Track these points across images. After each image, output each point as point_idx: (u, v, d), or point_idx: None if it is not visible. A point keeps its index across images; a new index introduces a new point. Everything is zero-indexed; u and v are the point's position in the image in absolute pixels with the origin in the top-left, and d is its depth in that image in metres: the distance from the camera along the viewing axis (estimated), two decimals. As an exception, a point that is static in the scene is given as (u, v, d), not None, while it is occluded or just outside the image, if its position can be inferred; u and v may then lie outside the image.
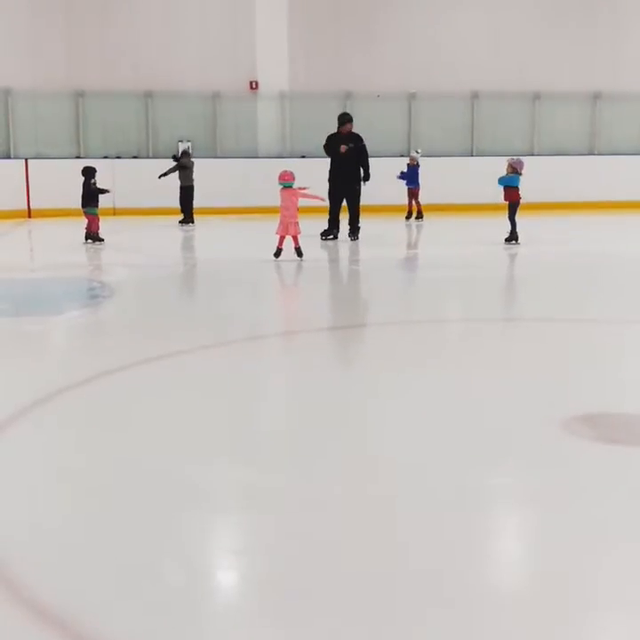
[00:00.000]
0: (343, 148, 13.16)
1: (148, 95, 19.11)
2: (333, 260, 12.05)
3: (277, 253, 11.03)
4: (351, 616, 2.73)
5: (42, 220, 17.27)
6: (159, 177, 15.73)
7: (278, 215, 11.05)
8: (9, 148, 18.81)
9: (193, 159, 16.45)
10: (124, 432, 4.57)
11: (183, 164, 15.93)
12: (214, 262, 11.83)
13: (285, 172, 11.19)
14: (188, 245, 14.68)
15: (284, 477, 3.92)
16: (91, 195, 13.27)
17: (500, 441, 4.38)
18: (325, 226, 13.36)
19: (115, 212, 17.01)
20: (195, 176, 15.96)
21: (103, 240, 13.18)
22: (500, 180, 12.71)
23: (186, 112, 19.28)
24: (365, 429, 4.59)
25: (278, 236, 11.03)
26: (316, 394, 5.33)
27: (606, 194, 18.59)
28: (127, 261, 11.83)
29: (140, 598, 2.85)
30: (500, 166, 12.98)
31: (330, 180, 13.32)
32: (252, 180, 17.56)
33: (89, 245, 13.09)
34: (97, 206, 13.30)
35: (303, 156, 18.19)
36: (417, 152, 16.83)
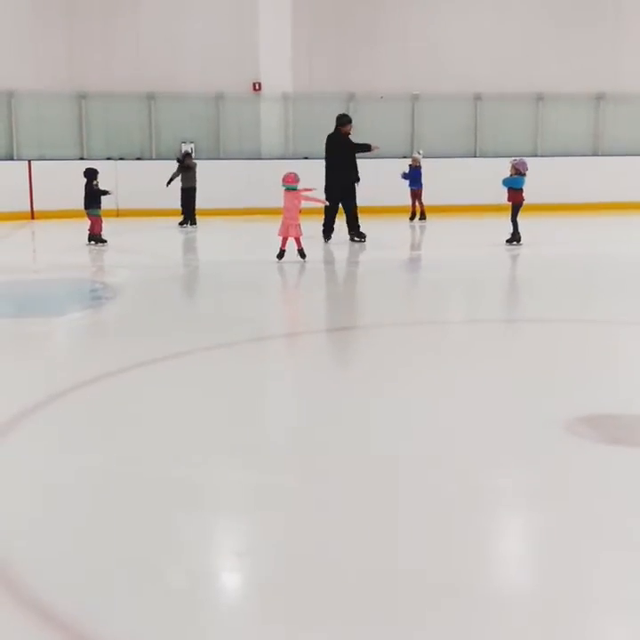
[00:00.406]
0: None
1: (151, 97, 19.13)
2: (336, 262, 12.05)
3: (280, 255, 11.04)
4: (354, 616, 2.73)
5: (45, 222, 17.28)
6: (167, 185, 15.72)
7: (281, 217, 11.06)
8: (12, 150, 18.84)
9: (195, 160, 16.46)
10: (127, 433, 4.57)
11: (187, 165, 15.93)
12: (217, 264, 11.84)
13: (289, 174, 11.19)
14: (190, 247, 14.70)
15: (287, 478, 3.92)
16: (93, 196, 13.28)
17: (502, 442, 4.37)
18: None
19: (118, 213, 17.03)
20: (197, 177, 15.95)
21: (106, 241, 13.19)
22: (505, 182, 12.71)
23: (189, 113, 19.30)
24: (368, 430, 4.58)
25: (280, 238, 11.04)
26: (319, 395, 5.33)
27: (609, 195, 18.57)
28: (130, 263, 11.85)
29: (142, 599, 2.85)
30: (503, 168, 12.98)
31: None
32: (255, 182, 17.57)
33: (92, 247, 13.10)
34: (99, 208, 13.31)
35: (306, 158, 18.18)
36: (419, 153, 16.84)
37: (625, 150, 19.75)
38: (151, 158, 19.09)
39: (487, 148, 19.77)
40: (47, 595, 2.86)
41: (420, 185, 16.38)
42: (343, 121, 13.48)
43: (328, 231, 13.27)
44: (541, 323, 7.55)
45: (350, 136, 13.37)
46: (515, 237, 12.67)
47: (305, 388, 5.68)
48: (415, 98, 19.70)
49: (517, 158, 13.17)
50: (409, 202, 16.67)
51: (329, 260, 11.91)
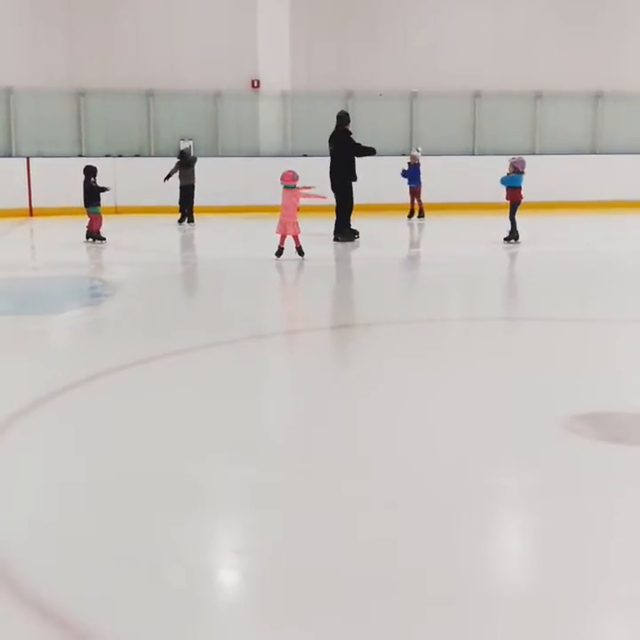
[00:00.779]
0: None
1: (150, 94, 19.11)
2: (334, 259, 12.05)
3: (279, 252, 11.04)
4: (353, 615, 2.73)
5: (43, 219, 17.27)
6: (164, 180, 15.71)
7: (279, 214, 11.06)
8: (11, 147, 18.82)
9: (194, 156, 16.44)
10: (126, 430, 4.57)
11: (189, 162, 15.89)
12: (216, 261, 11.84)
13: (287, 172, 11.18)
14: (189, 244, 14.69)
15: (285, 476, 3.92)
16: (92, 193, 13.27)
17: (502, 440, 4.38)
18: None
19: (117, 210, 17.01)
20: (196, 175, 15.93)
21: (105, 239, 13.18)
22: (503, 180, 12.71)
23: (187, 111, 19.29)
24: (366, 428, 4.59)
25: (279, 236, 11.04)
26: (318, 393, 5.33)
27: (608, 193, 18.58)
28: (129, 260, 11.84)
29: (142, 597, 2.86)
30: (502, 165, 12.98)
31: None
32: (254, 179, 17.56)
33: (90, 244, 13.10)
34: (99, 205, 13.30)
35: (305, 155, 18.19)
36: (418, 151, 16.83)
37: (623, 148, 19.76)
38: (150, 155, 19.08)
39: (486, 146, 19.76)
40: (47, 594, 2.86)
41: (419, 183, 16.37)
42: (347, 119, 13.45)
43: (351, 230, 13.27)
44: (540, 320, 7.55)
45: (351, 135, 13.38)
46: (513, 235, 12.68)
47: (304, 385, 5.68)
48: (414, 96, 19.69)
49: (516, 156, 13.18)
50: (407, 199, 16.66)
51: (327, 258, 11.90)
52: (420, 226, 16.18)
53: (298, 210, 11.05)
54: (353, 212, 13.33)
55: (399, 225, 16.03)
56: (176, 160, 16.07)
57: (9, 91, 18.62)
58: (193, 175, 15.89)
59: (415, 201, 16.62)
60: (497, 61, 19.58)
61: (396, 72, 19.48)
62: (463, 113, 19.83)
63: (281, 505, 3.62)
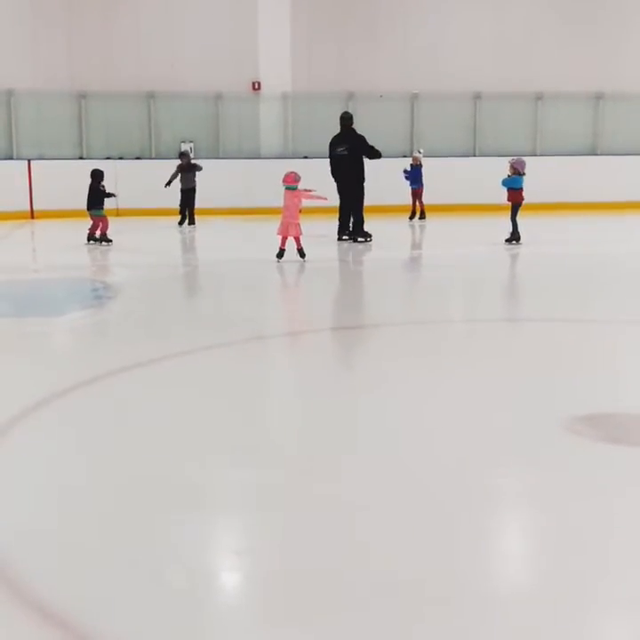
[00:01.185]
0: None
1: (151, 96, 19.13)
2: (336, 261, 12.05)
3: (280, 254, 11.05)
4: (354, 615, 2.74)
5: (44, 221, 17.29)
6: (165, 185, 15.67)
7: (280, 216, 11.06)
8: (11, 149, 18.83)
9: (195, 160, 16.40)
10: (127, 432, 4.58)
11: (191, 168, 15.84)
12: (217, 263, 11.84)
13: (289, 174, 11.17)
14: (190, 246, 14.70)
15: (286, 477, 3.92)
16: (98, 197, 13.32)
17: (502, 441, 4.38)
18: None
19: (118, 212, 17.00)
20: (197, 178, 15.92)
21: (111, 241, 13.21)
22: (504, 182, 12.72)
23: (188, 113, 19.30)
24: (367, 429, 4.59)
25: (280, 237, 11.05)
26: (319, 394, 5.34)
27: (608, 194, 18.58)
28: (130, 262, 11.85)
29: (142, 597, 2.86)
30: (503, 166, 12.98)
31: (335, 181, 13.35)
32: (255, 181, 17.57)
33: (92, 246, 13.11)
34: (102, 208, 13.38)
35: (306, 157, 18.20)
36: (419, 152, 16.84)
37: (624, 149, 19.76)
38: (151, 158, 19.08)
39: (487, 147, 19.76)
40: (47, 594, 2.86)
41: (421, 184, 16.38)
42: (353, 120, 13.51)
43: (342, 230, 13.31)
44: (541, 322, 7.55)
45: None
46: (514, 236, 12.69)
47: (305, 387, 5.69)
48: (415, 97, 19.70)
49: (516, 158, 13.18)
50: (408, 201, 16.66)
51: (328, 260, 11.90)
52: (422, 227, 16.19)
53: (300, 211, 11.05)
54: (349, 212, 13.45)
55: (400, 226, 16.04)
56: (177, 163, 16.07)
57: (10, 93, 18.63)
58: (194, 179, 15.88)
59: (417, 202, 16.63)
60: (497, 62, 19.59)
61: (396, 73, 19.49)
62: (464, 114, 19.83)
63: (281, 506, 3.62)
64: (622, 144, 19.91)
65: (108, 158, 18.26)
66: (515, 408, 4.95)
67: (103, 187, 13.44)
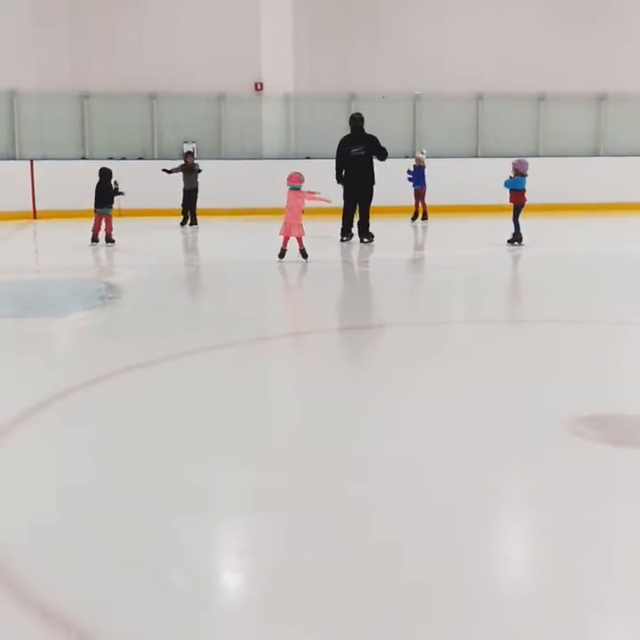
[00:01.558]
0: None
1: (153, 97, 19.14)
2: (338, 262, 12.05)
3: (282, 254, 11.04)
4: (356, 616, 2.73)
5: (47, 222, 17.30)
6: (164, 170, 15.67)
7: (283, 216, 11.06)
8: (14, 150, 18.85)
9: (197, 161, 16.40)
10: (129, 433, 4.57)
11: (193, 170, 15.85)
12: (219, 263, 11.84)
13: (294, 174, 11.16)
14: (193, 247, 14.70)
15: (288, 478, 3.92)
16: (107, 195, 13.33)
17: (505, 442, 4.37)
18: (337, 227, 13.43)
19: (120, 213, 17.00)
20: (200, 178, 15.93)
21: (114, 241, 13.22)
22: (507, 184, 12.71)
23: (191, 113, 19.31)
24: (369, 430, 4.58)
25: (282, 237, 11.04)
26: (321, 395, 5.33)
27: (611, 195, 18.56)
28: (132, 263, 11.85)
29: (143, 598, 2.86)
30: (505, 167, 12.97)
31: (346, 182, 13.33)
32: (257, 182, 17.57)
33: (95, 246, 13.11)
34: (111, 207, 13.40)
35: (308, 158, 18.20)
36: (422, 153, 16.84)
37: (626, 150, 19.75)
38: (153, 158, 19.09)
39: (489, 148, 19.77)
40: (47, 593, 2.86)
41: (424, 185, 16.39)
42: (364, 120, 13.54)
43: (346, 230, 13.33)
44: (543, 323, 7.55)
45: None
46: (516, 237, 12.68)
47: (307, 388, 5.68)
48: (417, 98, 19.70)
49: (518, 159, 13.17)
50: (410, 201, 16.66)
51: (330, 260, 11.90)
52: (424, 228, 16.18)
53: (303, 212, 11.04)
54: (355, 213, 13.41)
55: (402, 227, 16.03)
56: (181, 162, 16.10)
57: (12, 93, 18.66)
58: (196, 179, 15.90)
59: (419, 203, 16.63)
60: (499, 63, 19.59)
61: (398, 74, 19.49)
62: (466, 115, 19.83)
63: (284, 507, 3.62)
64: (625, 145, 19.90)
65: (110, 159, 18.24)
66: (517, 409, 4.94)
67: (117, 184, 13.47)
